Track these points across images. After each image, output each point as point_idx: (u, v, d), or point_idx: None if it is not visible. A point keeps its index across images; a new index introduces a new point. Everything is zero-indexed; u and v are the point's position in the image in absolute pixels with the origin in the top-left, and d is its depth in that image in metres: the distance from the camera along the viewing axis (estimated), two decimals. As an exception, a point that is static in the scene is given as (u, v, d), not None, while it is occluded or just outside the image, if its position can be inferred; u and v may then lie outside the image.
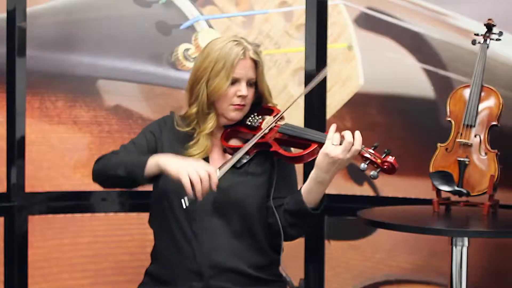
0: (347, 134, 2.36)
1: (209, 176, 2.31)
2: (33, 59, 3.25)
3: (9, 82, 3.22)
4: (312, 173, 2.39)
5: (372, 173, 2.36)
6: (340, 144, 2.34)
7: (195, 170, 2.31)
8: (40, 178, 3.28)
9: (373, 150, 2.38)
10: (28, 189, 3.25)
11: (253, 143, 2.45)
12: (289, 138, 2.49)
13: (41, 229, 3.29)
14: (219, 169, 2.38)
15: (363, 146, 2.36)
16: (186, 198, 2.32)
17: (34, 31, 3.25)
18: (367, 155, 2.37)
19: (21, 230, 3.24)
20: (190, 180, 2.30)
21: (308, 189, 2.42)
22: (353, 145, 2.34)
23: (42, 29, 3.28)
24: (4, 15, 3.20)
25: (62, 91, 3.31)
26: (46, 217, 3.30)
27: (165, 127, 2.59)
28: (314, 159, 2.40)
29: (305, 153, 2.42)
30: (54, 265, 3.31)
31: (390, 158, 2.36)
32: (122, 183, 2.51)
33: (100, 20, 3.35)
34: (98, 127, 3.33)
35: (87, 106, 3.33)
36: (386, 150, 2.37)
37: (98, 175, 2.54)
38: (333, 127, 2.38)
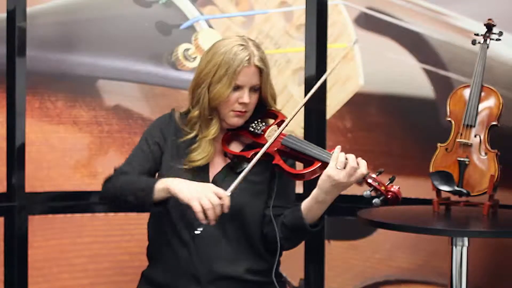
0: (351, 158, 2.29)
1: (220, 200, 2.27)
2: (33, 59, 3.25)
3: (9, 82, 3.21)
4: (314, 193, 2.34)
5: (375, 201, 2.28)
6: (344, 167, 2.28)
7: (206, 196, 2.26)
8: (40, 178, 3.28)
9: (377, 175, 2.31)
10: (28, 189, 3.25)
11: (258, 158, 2.34)
12: (291, 151, 2.42)
13: (41, 229, 3.29)
14: (230, 193, 2.30)
15: (368, 171, 2.30)
16: (199, 225, 2.32)
17: (34, 31, 3.24)
18: (370, 181, 2.30)
19: (21, 230, 3.24)
20: (201, 207, 2.25)
21: (308, 207, 2.37)
22: (357, 169, 2.28)
23: (42, 29, 3.28)
24: (4, 15, 3.20)
25: (62, 91, 3.30)
26: (46, 217, 3.30)
27: (168, 132, 2.51)
28: (315, 177, 2.34)
29: (307, 171, 2.35)
30: (54, 265, 3.31)
31: (394, 188, 2.29)
32: (131, 208, 2.51)
33: (100, 20, 3.35)
34: (98, 127, 3.33)
35: (87, 106, 3.33)
36: (390, 178, 2.30)
37: (107, 199, 2.50)
38: (337, 149, 2.31)
